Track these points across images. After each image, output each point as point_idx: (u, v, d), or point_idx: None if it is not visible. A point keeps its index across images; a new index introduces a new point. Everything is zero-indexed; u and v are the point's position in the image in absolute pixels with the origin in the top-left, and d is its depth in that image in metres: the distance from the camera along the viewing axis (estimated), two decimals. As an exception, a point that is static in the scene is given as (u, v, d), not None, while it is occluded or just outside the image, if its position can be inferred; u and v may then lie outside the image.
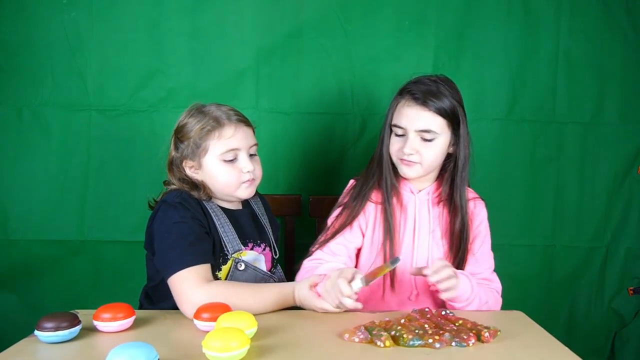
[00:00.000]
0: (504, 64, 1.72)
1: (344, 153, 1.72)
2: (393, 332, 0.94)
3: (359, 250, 1.31)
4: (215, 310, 0.95)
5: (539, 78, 1.73)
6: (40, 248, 1.65)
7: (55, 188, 1.65)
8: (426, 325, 0.96)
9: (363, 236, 1.30)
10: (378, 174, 1.27)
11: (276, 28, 1.66)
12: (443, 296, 1.12)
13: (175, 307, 1.07)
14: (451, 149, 1.25)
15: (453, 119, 1.20)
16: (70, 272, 1.67)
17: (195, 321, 0.96)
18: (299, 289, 1.10)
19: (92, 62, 1.62)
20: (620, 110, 1.76)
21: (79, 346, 0.90)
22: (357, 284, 1.01)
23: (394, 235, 1.25)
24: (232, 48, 1.65)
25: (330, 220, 1.31)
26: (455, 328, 0.97)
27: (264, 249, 1.25)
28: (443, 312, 1.05)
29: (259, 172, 1.23)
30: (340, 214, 1.29)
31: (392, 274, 1.24)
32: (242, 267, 1.17)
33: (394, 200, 1.26)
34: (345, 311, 1.07)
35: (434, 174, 1.29)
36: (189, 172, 1.19)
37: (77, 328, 0.91)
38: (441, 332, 0.94)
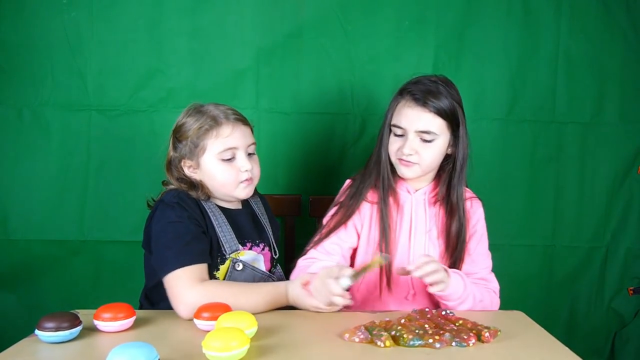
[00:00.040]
0: (504, 64, 1.72)
1: (344, 153, 1.72)
2: (393, 332, 0.94)
3: (355, 250, 1.31)
4: (215, 310, 0.96)
5: (539, 78, 1.73)
6: (40, 248, 1.65)
7: (55, 188, 1.65)
8: (426, 325, 0.96)
9: (358, 236, 1.30)
10: (375, 173, 1.27)
11: (276, 28, 1.66)
12: (432, 290, 1.11)
13: None
14: (450, 149, 1.25)
15: (453, 120, 1.20)
16: (70, 272, 1.67)
17: (196, 321, 0.96)
18: (292, 288, 1.10)
19: (92, 62, 1.62)
20: (620, 110, 1.76)
21: (80, 346, 0.90)
22: (345, 282, 1.01)
23: (389, 235, 1.25)
24: (232, 48, 1.65)
25: (325, 220, 1.31)
26: (455, 328, 0.97)
27: (263, 249, 1.25)
28: (443, 312, 1.06)
29: (257, 172, 1.23)
30: (335, 213, 1.29)
31: (388, 274, 1.24)
32: (240, 267, 1.17)
33: (390, 200, 1.26)
34: (338, 310, 1.08)
35: (432, 174, 1.29)
36: (188, 171, 1.19)
37: (78, 328, 0.91)
38: (441, 332, 0.94)
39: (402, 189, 1.28)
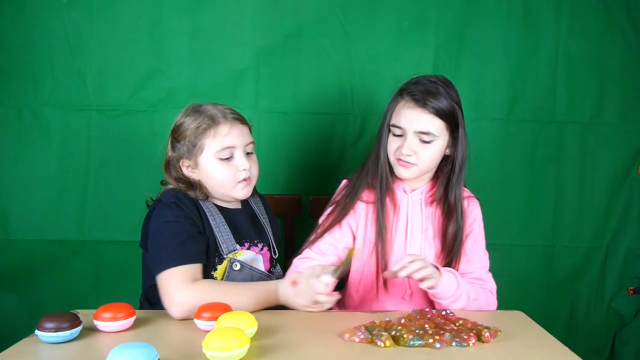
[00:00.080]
0: (504, 64, 1.72)
1: (344, 153, 1.72)
2: (393, 332, 0.94)
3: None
4: (215, 309, 0.96)
5: (539, 78, 1.73)
6: (40, 248, 1.65)
7: (55, 188, 1.65)
8: (426, 325, 0.96)
9: (353, 236, 1.30)
10: (373, 173, 1.27)
11: (276, 28, 1.66)
12: (423, 286, 1.11)
13: None
14: (448, 150, 1.25)
15: (452, 121, 1.20)
16: (70, 272, 1.67)
17: (196, 321, 0.96)
18: (282, 287, 1.10)
19: (92, 62, 1.62)
20: (620, 110, 1.76)
21: (80, 346, 0.90)
22: (327, 278, 1.01)
23: (385, 235, 1.24)
24: (232, 48, 1.65)
25: (321, 219, 1.31)
26: (455, 328, 0.97)
27: (262, 249, 1.25)
28: (443, 312, 1.06)
29: (255, 171, 1.23)
30: (331, 212, 1.30)
31: (383, 276, 1.24)
32: (238, 267, 1.18)
33: (387, 199, 1.26)
34: (330, 309, 1.08)
35: (429, 174, 1.29)
36: (186, 171, 1.20)
37: (78, 328, 0.91)
38: (441, 332, 0.94)
39: (398, 189, 1.28)
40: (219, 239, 1.17)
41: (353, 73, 1.69)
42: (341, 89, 1.69)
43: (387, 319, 1.01)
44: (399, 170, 1.23)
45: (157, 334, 0.96)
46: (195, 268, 1.09)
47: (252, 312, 0.96)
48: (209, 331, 0.87)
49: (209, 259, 1.16)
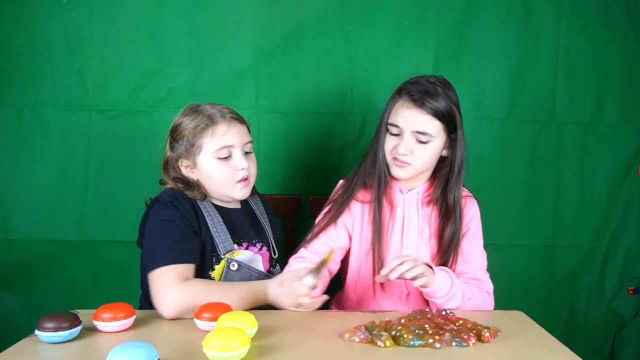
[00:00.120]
0: (504, 64, 1.72)
1: (344, 153, 1.72)
2: (393, 332, 0.94)
3: (348, 251, 1.31)
4: (215, 309, 0.96)
5: (539, 78, 1.73)
6: (40, 248, 1.65)
7: (55, 188, 1.65)
8: (426, 325, 0.96)
9: (349, 236, 1.30)
10: (370, 172, 1.27)
11: (276, 28, 1.66)
12: (416, 284, 1.11)
13: None
14: (445, 152, 1.24)
15: (449, 122, 1.20)
16: (70, 272, 1.67)
17: (196, 321, 0.96)
18: (271, 287, 1.10)
19: (92, 62, 1.62)
20: (620, 110, 1.76)
21: (80, 346, 0.90)
22: (308, 280, 1.00)
23: (382, 234, 1.24)
24: (232, 48, 1.65)
25: (318, 219, 1.31)
26: (455, 328, 0.97)
27: (260, 249, 1.25)
28: (443, 312, 1.06)
29: (253, 170, 1.23)
30: (327, 212, 1.30)
31: None
32: (235, 267, 1.18)
33: (384, 199, 1.26)
34: (320, 308, 1.09)
35: (426, 175, 1.28)
36: (185, 171, 1.20)
37: (78, 328, 0.91)
38: (441, 332, 0.94)
39: (394, 189, 1.28)
40: (216, 239, 1.17)
41: (353, 73, 1.69)
42: (341, 89, 1.69)
43: (387, 319, 1.01)
44: (395, 170, 1.23)
45: (157, 334, 0.96)
46: (188, 268, 1.09)
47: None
48: (209, 331, 0.87)
49: (206, 259, 1.16)
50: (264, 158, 1.66)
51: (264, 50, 1.66)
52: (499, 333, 0.96)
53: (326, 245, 1.27)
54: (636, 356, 1.83)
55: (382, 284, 1.25)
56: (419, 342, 0.91)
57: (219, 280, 1.17)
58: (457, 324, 1.00)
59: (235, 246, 1.20)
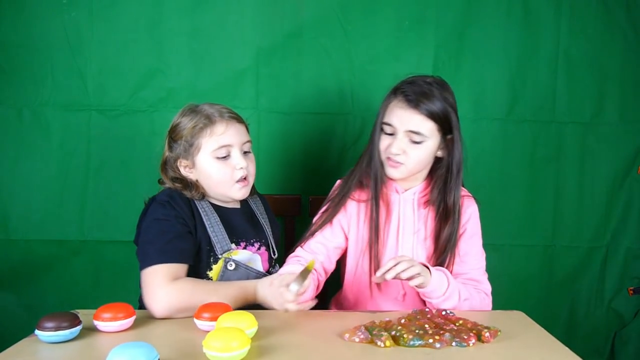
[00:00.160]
0: (504, 64, 1.72)
1: (343, 153, 1.72)
2: (393, 332, 0.94)
3: (345, 251, 1.31)
4: (215, 309, 0.96)
5: (539, 78, 1.73)
6: (40, 248, 1.65)
7: (55, 188, 1.65)
8: (426, 325, 0.96)
9: (345, 236, 1.30)
10: (366, 171, 1.26)
11: (276, 28, 1.66)
12: (412, 284, 1.10)
13: None
14: (440, 152, 1.23)
15: (444, 123, 1.19)
16: (70, 272, 1.67)
17: (196, 321, 0.96)
18: (261, 287, 1.11)
19: (92, 62, 1.63)
20: (620, 110, 1.76)
21: (80, 346, 0.90)
22: (294, 287, 1.00)
23: (378, 234, 1.24)
24: (232, 48, 1.65)
25: (316, 218, 1.31)
26: (455, 328, 0.97)
27: (259, 249, 1.25)
28: (443, 312, 1.06)
29: (252, 170, 1.23)
30: (324, 212, 1.30)
31: None
32: (233, 266, 1.18)
33: (380, 197, 1.26)
34: (312, 309, 1.09)
35: (422, 175, 1.27)
36: (184, 171, 1.20)
37: (78, 328, 0.92)
38: (441, 332, 0.94)
39: (390, 189, 1.28)
40: (213, 239, 1.17)
41: (353, 73, 1.69)
42: (341, 89, 1.69)
43: (387, 319, 1.01)
44: (388, 170, 1.23)
45: (157, 333, 0.96)
46: (179, 267, 1.10)
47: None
48: (209, 331, 0.87)
49: (203, 259, 1.16)
50: (264, 158, 1.67)
51: (264, 50, 1.66)
52: (499, 333, 0.96)
53: (322, 244, 1.27)
54: (636, 356, 1.83)
55: (378, 284, 1.25)
56: (419, 342, 0.91)
57: (217, 279, 1.17)
58: (457, 324, 1.00)
59: (233, 246, 1.20)
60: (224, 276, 1.17)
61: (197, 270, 1.16)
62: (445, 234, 1.23)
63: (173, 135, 1.20)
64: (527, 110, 1.74)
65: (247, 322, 0.91)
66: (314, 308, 1.10)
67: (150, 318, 1.03)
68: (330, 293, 1.46)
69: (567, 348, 0.93)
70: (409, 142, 1.19)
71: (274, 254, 1.30)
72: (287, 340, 0.93)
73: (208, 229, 1.17)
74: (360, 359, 0.87)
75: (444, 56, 1.70)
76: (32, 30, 1.60)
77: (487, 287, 1.25)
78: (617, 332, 1.84)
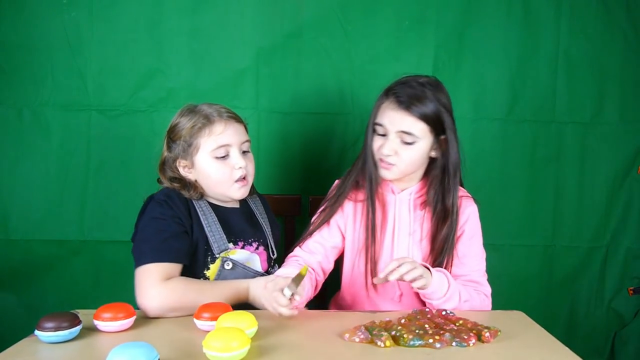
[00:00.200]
0: (504, 64, 1.72)
1: (343, 153, 1.72)
2: (393, 332, 0.94)
3: (342, 251, 1.31)
4: (215, 309, 0.96)
5: (539, 78, 1.73)
6: (40, 248, 1.65)
7: (55, 188, 1.65)
8: (426, 325, 0.96)
9: (342, 236, 1.30)
10: (362, 172, 1.26)
11: (276, 28, 1.66)
12: (415, 285, 1.10)
13: None
14: (434, 153, 1.23)
15: (436, 124, 1.18)
16: (70, 272, 1.67)
17: (196, 321, 0.97)
18: (253, 287, 1.12)
19: (92, 62, 1.62)
20: (620, 110, 1.76)
21: (80, 346, 0.90)
22: (287, 292, 1.00)
23: (374, 233, 1.24)
24: (232, 48, 1.65)
25: (314, 218, 1.31)
26: (455, 328, 0.97)
27: (257, 248, 1.25)
28: (443, 312, 1.05)
29: (251, 169, 1.23)
30: (321, 212, 1.30)
31: (373, 276, 1.23)
32: (230, 266, 1.18)
33: (376, 198, 1.25)
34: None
35: (418, 175, 1.27)
36: (183, 171, 1.20)
37: (78, 328, 0.92)
38: (441, 332, 0.94)
39: (386, 189, 1.28)
40: (210, 239, 1.17)
41: (353, 73, 1.69)
42: (341, 89, 1.69)
43: (387, 319, 1.01)
44: (381, 171, 1.22)
45: (158, 333, 0.96)
46: (173, 267, 1.10)
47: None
48: (209, 331, 0.87)
49: (200, 258, 1.17)
50: (264, 158, 1.67)
51: (264, 50, 1.66)
52: (499, 333, 0.96)
53: (320, 244, 1.27)
54: (636, 356, 1.83)
55: (374, 285, 1.25)
56: (419, 342, 0.91)
57: (214, 279, 1.18)
58: (457, 324, 1.00)
59: (231, 245, 1.20)
60: (221, 275, 1.18)
61: (195, 270, 1.16)
62: (442, 235, 1.22)
63: (172, 135, 1.20)
64: (527, 110, 1.74)
65: (247, 322, 0.91)
66: (314, 308, 1.10)
67: (151, 318, 1.03)
68: (330, 293, 1.46)
69: (567, 348, 0.93)
70: (400, 142, 1.18)
71: (273, 254, 1.30)
72: (287, 340, 0.93)
73: (205, 229, 1.17)
74: (360, 359, 0.87)
75: (444, 56, 1.70)
76: (32, 30, 1.60)
77: (487, 289, 1.25)
78: (617, 332, 1.84)
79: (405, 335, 0.92)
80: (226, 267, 1.18)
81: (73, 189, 1.65)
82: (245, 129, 1.24)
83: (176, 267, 1.11)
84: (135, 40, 1.63)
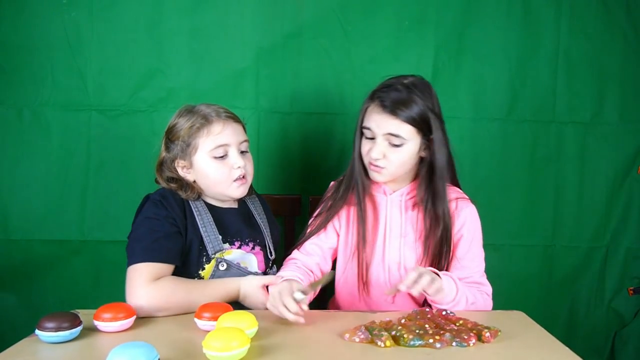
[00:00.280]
0: (504, 64, 1.72)
1: (343, 153, 1.72)
2: (393, 332, 0.94)
3: (336, 251, 1.32)
4: (216, 309, 0.96)
5: (539, 78, 1.73)
6: (40, 248, 1.66)
7: (55, 188, 1.65)
8: (427, 325, 0.96)
9: (338, 236, 1.30)
10: (351, 177, 1.26)
11: (276, 28, 1.66)
12: (434, 299, 1.10)
13: None
14: (423, 153, 1.21)
15: (423, 125, 1.16)
16: (70, 272, 1.67)
17: (196, 320, 0.97)
18: (245, 285, 1.13)
19: (92, 62, 1.63)
20: (620, 110, 1.76)
21: (80, 346, 0.90)
22: (299, 295, 1.00)
23: (365, 238, 1.24)
24: (232, 48, 1.65)
25: (310, 221, 1.31)
26: (455, 328, 0.97)
27: (253, 248, 1.25)
28: (443, 312, 1.05)
29: (250, 169, 1.23)
30: (318, 215, 1.30)
31: (365, 278, 1.24)
32: (224, 266, 1.18)
33: (367, 201, 1.25)
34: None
35: (410, 175, 1.26)
36: (182, 172, 1.20)
37: (78, 328, 0.92)
38: (442, 332, 0.94)
39: (378, 191, 1.27)
40: (205, 239, 1.17)
41: (353, 73, 1.69)
42: (341, 89, 1.69)
43: (388, 319, 1.01)
44: (372, 174, 1.22)
45: (158, 333, 0.96)
46: (164, 267, 1.10)
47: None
48: (209, 331, 0.87)
49: (195, 259, 1.17)
50: (264, 158, 1.67)
51: (264, 50, 1.66)
52: (499, 333, 0.96)
53: (317, 245, 1.27)
54: (636, 356, 1.83)
55: (367, 288, 1.25)
56: (419, 342, 0.91)
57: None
58: (457, 324, 1.00)
59: (227, 246, 1.20)
60: (215, 276, 1.18)
61: (189, 270, 1.16)
62: (436, 236, 1.21)
63: (170, 136, 1.20)
64: (527, 110, 1.74)
65: (247, 322, 0.91)
66: (314, 309, 1.10)
67: (151, 318, 1.03)
68: (329, 294, 1.46)
69: (567, 348, 0.93)
70: (388, 145, 1.17)
71: (271, 255, 1.30)
72: (287, 340, 0.93)
73: (200, 229, 1.17)
74: (360, 359, 0.87)
75: (444, 56, 1.70)
76: (32, 30, 1.60)
77: (489, 289, 1.24)
78: (617, 332, 1.84)
79: (405, 335, 0.92)
80: (221, 267, 1.18)
81: (73, 189, 1.65)
82: (244, 128, 1.24)
83: (167, 268, 1.11)
84: (135, 40, 1.63)
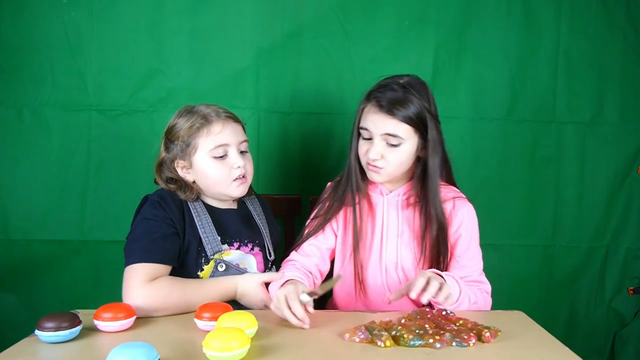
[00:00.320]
0: (504, 64, 1.72)
1: (343, 153, 1.70)
2: (393, 332, 0.94)
3: (334, 252, 1.31)
4: (215, 309, 0.96)
5: (539, 78, 1.73)
6: (40, 248, 1.66)
7: (55, 188, 1.65)
8: (427, 325, 0.96)
9: (335, 237, 1.30)
10: (348, 179, 1.26)
11: (276, 28, 1.66)
12: (444, 305, 1.09)
13: None
14: (421, 152, 1.21)
15: (420, 124, 1.16)
16: (70, 272, 1.67)
17: (196, 321, 0.97)
18: (242, 284, 1.13)
19: (92, 62, 1.63)
20: (620, 110, 1.76)
21: (80, 346, 0.90)
22: (305, 297, 1.00)
23: (361, 238, 1.24)
24: (232, 48, 1.65)
25: (307, 222, 1.31)
26: (455, 328, 0.97)
27: (252, 249, 1.25)
28: (443, 312, 1.05)
29: (250, 169, 1.23)
30: (315, 216, 1.30)
31: (362, 279, 1.24)
32: (223, 267, 1.18)
33: (364, 202, 1.25)
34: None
35: (407, 175, 1.26)
36: (181, 172, 1.20)
37: (78, 328, 0.92)
38: (442, 332, 0.94)
39: (375, 191, 1.27)
40: (204, 240, 1.17)
41: (353, 73, 1.69)
42: (341, 89, 1.69)
43: (388, 319, 1.01)
44: (371, 175, 1.22)
45: (158, 333, 0.96)
46: (161, 268, 1.10)
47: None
48: (209, 331, 0.87)
49: (194, 260, 1.16)
50: (264, 158, 1.67)
51: (264, 50, 1.66)
52: (499, 333, 0.96)
53: (315, 246, 1.27)
54: (636, 356, 1.83)
55: (363, 289, 1.25)
56: (419, 342, 0.91)
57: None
58: (457, 324, 1.00)
59: (225, 246, 1.20)
60: (214, 277, 1.18)
61: (188, 271, 1.16)
62: (432, 235, 1.21)
63: (170, 136, 1.20)
64: (527, 110, 1.74)
65: (247, 322, 0.91)
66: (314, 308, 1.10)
67: (151, 318, 1.03)
68: (327, 295, 1.46)
69: (567, 348, 0.93)
70: (386, 145, 1.17)
71: (270, 256, 1.30)
72: (287, 340, 0.93)
73: (199, 230, 1.17)
74: (360, 359, 0.87)
75: (444, 56, 1.70)
76: (32, 30, 1.60)
77: (488, 287, 1.25)
78: (617, 332, 1.84)
79: (405, 335, 0.92)
80: (219, 268, 1.18)
81: (73, 189, 1.65)
82: (243, 128, 1.25)
83: (164, 268, 1.11)
84: (135, 40, 1.63)
